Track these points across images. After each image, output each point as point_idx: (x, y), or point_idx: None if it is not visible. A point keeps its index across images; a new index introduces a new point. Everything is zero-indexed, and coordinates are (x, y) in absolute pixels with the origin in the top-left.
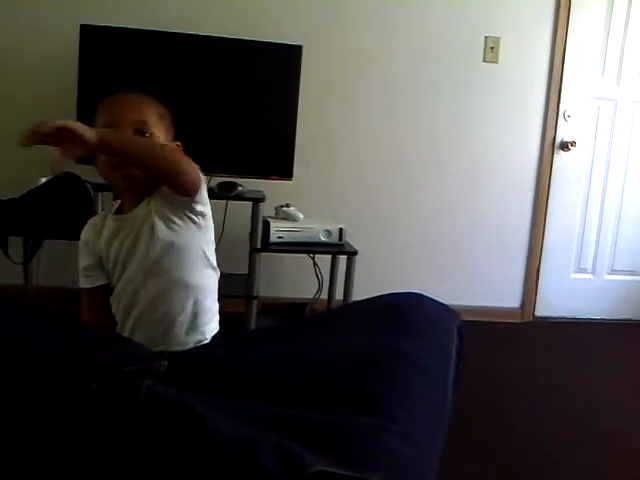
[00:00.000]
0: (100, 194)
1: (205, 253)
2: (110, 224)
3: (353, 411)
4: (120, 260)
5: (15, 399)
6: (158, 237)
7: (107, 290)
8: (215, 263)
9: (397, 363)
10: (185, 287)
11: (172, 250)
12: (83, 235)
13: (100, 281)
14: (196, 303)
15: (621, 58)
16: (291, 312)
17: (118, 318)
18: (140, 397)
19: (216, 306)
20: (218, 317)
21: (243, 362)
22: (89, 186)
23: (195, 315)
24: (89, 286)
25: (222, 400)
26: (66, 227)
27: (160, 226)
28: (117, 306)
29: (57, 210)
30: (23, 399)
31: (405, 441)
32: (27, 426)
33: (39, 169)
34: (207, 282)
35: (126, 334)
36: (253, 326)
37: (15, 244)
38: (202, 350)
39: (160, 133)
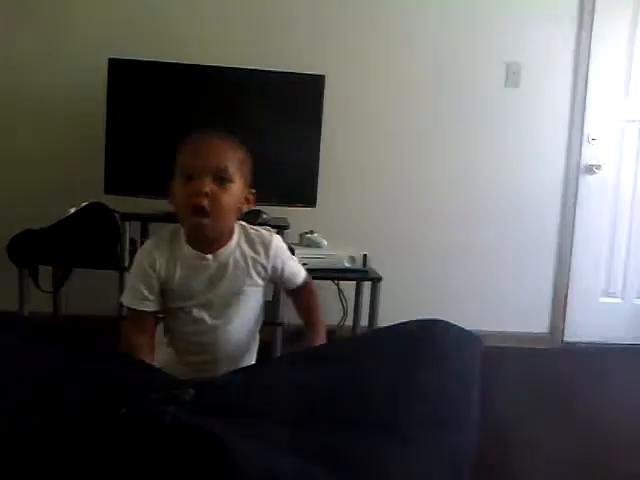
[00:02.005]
0: (127, 223)
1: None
2: (191, 258)
3: (372, 437)
4: (205, 295)
5: (44, 422)
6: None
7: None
8: None
9: (417, 391)
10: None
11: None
12: (145, 259)
13: (155, 307)
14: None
15: None
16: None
17: (178, 343)
18: (165, 424)
19: None
20: None
21: (268, 389)
22: (117, 216)
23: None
24: (145, 309)
25: (246, 426)
26: (94, 256)
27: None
28: (183, 334)
29: (86, 239)
30: (52, 422)
31: (421, 465)
32: (55, 447)
33: (68, 199)
34: None
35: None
36: (278, 353)
37: (45, 273)
38: (227, 378)
39: (239, 180)
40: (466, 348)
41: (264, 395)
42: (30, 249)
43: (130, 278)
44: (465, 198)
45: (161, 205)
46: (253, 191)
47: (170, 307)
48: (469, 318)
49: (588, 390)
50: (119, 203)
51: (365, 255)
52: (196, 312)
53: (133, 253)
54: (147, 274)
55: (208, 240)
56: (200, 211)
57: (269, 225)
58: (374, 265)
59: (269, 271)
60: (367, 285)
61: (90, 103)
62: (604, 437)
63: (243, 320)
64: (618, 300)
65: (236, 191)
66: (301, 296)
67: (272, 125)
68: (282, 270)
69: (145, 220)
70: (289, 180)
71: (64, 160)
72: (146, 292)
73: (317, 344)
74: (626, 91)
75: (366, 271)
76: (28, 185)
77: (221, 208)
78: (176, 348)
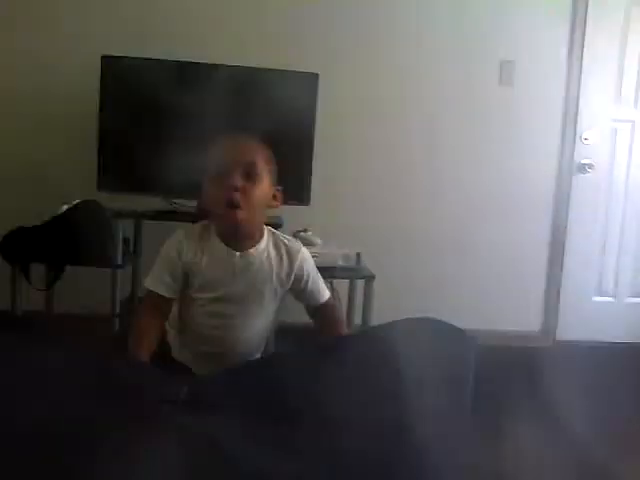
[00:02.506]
0: (120, 221)
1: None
2: (219, 251)
3: (366, 437)
4: (225, 290)
5: (41, 421)
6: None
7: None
8: None
9: (409, 390)
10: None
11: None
12: (174, 247)
13: (174, 294)
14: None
15: (638, 80)
16: (310, 336)
17: (190, 332)
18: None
19: None
20: None
21: (261, 387)
22: (110, 213)
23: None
24: (165, 295)
25: (240, 425)
26: (87, 254)
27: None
28: (204, 325)
29: (78, 237)
30: (49, 421)
31: (421, 464)
32: (53, 447)
33: (61, 197)
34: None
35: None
36: (272, 350)
37: (37, 271)
38: (221, 375)
39: (266, 177)
40: (458, 347)
41: (258, 394)
42: (22, 246)
43: (156, 263)
44: (458, 196)
45: (154, 203)
46: (280, 189)
47: (189, 296)
48: (462, 316)
49: (580, 389)
50: (112, 201)
51: (358, 253)
52: (214, 305)
53: (126, 251)
54: (173, 261)
55: (238, 236)
56: (232, 204)
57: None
58: (367, 263)
59: (292, 278)
60: (360, 283)
61: (83, 100)
62: (596, 436)
63: (256, 321)
64: (610, 299)
65: (264, 187)
66: (324, 316)
67: (266, 123)
68: (306, 282)
69: (138, 218)
70: (283, 178)
71: (57, 157)
72: (169, 279)
73: None
74: (618, 91)
75: (360, 269)
76: (20, 182)
77: (251, 202)
78: (187, 336)
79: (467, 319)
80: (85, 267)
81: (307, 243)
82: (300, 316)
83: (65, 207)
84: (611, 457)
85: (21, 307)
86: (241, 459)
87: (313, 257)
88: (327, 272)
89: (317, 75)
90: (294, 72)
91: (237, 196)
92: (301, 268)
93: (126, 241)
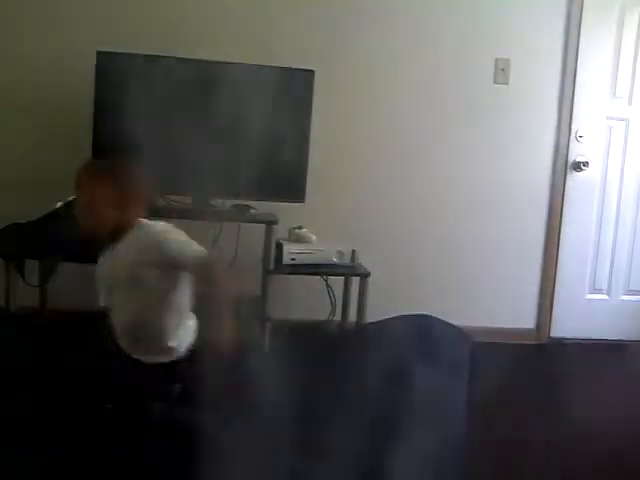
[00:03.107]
0: None
1: None
2: (103, 252)
3: (358, 433)
4: (106, 282)
5: (33, 415)
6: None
7: None
8: None
9: (404, 387)
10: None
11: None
12: None
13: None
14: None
15: (632, 78)
16: (304, 334)
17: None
18: (151, 418)
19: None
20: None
21: (256, 384)
22: None
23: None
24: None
25: (233, 420)
26: (81, 250)
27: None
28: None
29: (73, 233)
30: (40, 415)
31: (410, 459)
32: (45, 438)
33: (55, 193)
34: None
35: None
36: (266, 348)
37: (31, 267)
38: (214, 371)
39: (96, 190)
40: (453, 344)
41: (253, 390)
42: (16, 243)
43: None
44: (453, 194)
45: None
46: (127, 193)
47: None
48: (456, 314)
49: (574, 386)
50: None
51: (353, 250)
52: (105, 295)
53: None
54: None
55: (104, 238)
56: (77, 220)
57: (258, 220)
58: (362, 260)
59: (159, 254)
60: (355, 280)
61: (78, 96)
62: (589, 434)
63: (143, 304)
64: (604, 296)
65: (95, 201)
66: (200, 280)
67: (261, 120)
68: (170, 252)
69: None
70: (278, 175)
71: (51, 154)
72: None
73: (222, 338)
74: (613, 89)
75: (354, 266)
76: (14, 178)
77: (88, 219)
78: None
79: (462, 316)
80: (79, 263)
81: (302, 240)
82: (294, 313)
83: (59, 204)
84: (608, 453)
85: (15, 303)
86: (234, 455)
87: (308, 254)
88: (322, 269)
89: (313, 72)
90: (290, 69)
91: (77, 216)
92: (161, 243)
93: None
